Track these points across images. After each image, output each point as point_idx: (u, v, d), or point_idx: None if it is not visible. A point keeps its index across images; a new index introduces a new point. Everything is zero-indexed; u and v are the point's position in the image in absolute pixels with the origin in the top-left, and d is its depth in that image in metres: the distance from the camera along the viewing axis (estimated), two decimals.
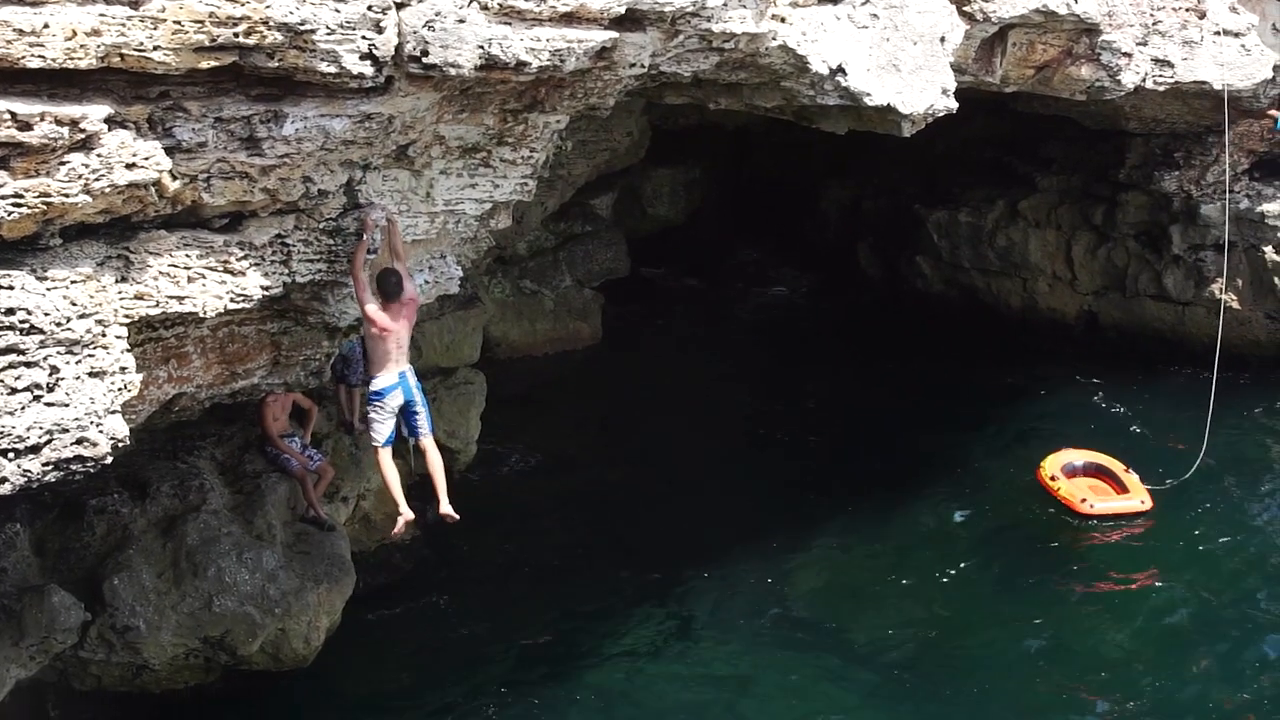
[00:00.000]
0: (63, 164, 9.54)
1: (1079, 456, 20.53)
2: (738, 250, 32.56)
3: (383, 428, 13.11)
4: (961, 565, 18.32)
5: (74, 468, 10.03)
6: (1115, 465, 20.29)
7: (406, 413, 13.18)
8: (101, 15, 9.51)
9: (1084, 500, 19.48)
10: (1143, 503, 19.50)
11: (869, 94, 14.83)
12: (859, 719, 15.09)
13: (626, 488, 20.71)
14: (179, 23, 9.75)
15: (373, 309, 12.41)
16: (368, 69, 10.53)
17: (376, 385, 13.00)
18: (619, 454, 22.14)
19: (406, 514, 13.61)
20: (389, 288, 12.53)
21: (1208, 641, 16.68)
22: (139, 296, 10.73)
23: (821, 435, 22.98)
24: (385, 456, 13.30)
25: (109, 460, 10.27)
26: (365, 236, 12.35)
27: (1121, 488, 19.87)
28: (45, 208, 9.55)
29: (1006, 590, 17.82)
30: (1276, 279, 23.89)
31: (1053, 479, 19.99)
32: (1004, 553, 18.73)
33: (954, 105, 15.97)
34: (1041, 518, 19.74)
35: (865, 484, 20.54)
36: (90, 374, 10.09)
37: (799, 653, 16.28)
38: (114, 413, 10.23)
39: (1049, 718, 15.15)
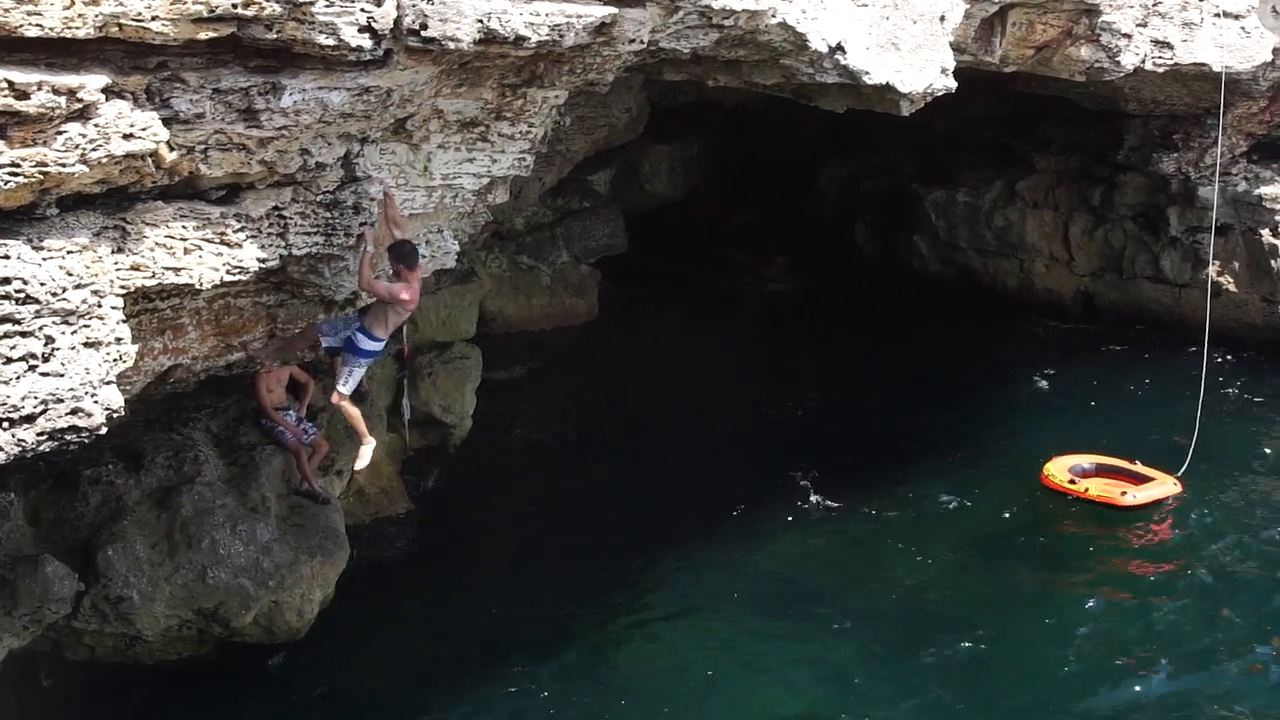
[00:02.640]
0: (60, 133, 9.51)
1: (1084, 459, 20.05)
2: (735, 227, 32.53)
3: (356, 382, 13.89)
4: (951, 544, 18.30)
5: (68, 438, 10.03)
6: (1121, 462, 19.94)
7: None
8: None
9: (1123, 494, 19.06)
10: (1175, 484, 19.18)
11: (868, 72, 14.80)
12: (856, 695, 15.12)
13: (621, 463, 20.74)
14: None
15: (403, 290, 12.70)
16: (366, 42, 10.49)
17: (374, 346, 13.42)
18: (614, 429, 22.18)
19: (371, 441, 14.89)
20: (408, 255, 12.77)
21: (1218, 617, 16.62)
22: (135, 267, 10.71)
23: (815, 413, 23.02)
24: (348, 402, 14.16)
25: (104, 431, 10.27)
26: (368, 248, 12.40)
27: (1140, 479, 19.46)
28: (42, 177, 9.53)
29: (997, 568, 17.79)
30: (1273, 262, 23.90)
31: (1072, 482, 19.45)
32: (996, 533, 18.71)
33: (953, 85, 15.94)
34: (1034, 500, 19.69)
35: (858, 462, 20.54)
36: (85, 344, 10.08)
37: (795, 627, 16.29)
38: (109, 383, 10.22)
39: (1042, 699, 15.18)
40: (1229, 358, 24.22)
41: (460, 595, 16.84)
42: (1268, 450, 21.27)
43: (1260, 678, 15.26)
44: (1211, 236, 23.28)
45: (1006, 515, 19.24)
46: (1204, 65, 20.80)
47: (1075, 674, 15.35)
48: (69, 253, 10.05)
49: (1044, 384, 24.09)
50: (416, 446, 19.80)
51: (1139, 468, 19.77)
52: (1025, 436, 21.58)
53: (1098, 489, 19.35)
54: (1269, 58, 21.40)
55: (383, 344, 13.55)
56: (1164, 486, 19.20)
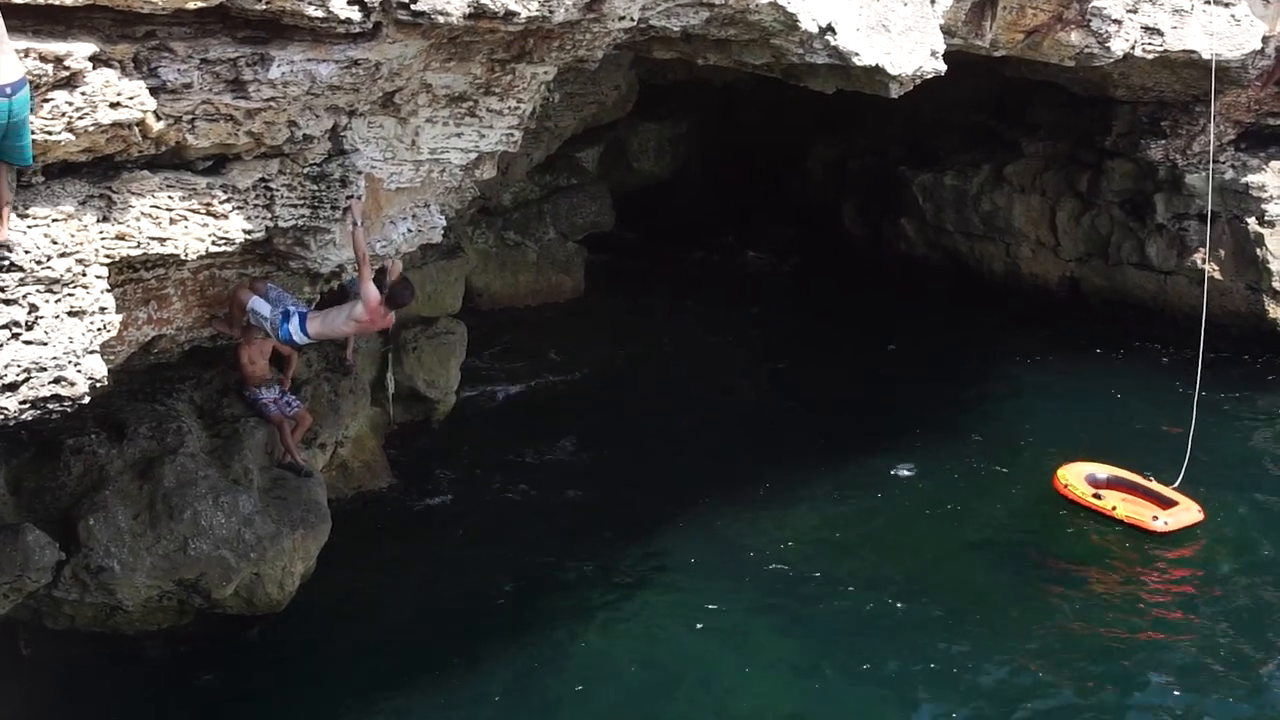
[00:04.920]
0: (46, 101, 9.46)
1: (1099, 469, 19.60)
2: (722, 206, 32.50)
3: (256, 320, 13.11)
4: (931, 528, 18.35)
5: (51, 407, 10.01)
6: (1136, 477, 19.50)
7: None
8: None
9: (1155, 518, 18.51)
10: (1200, 512, 18.71)
11: (858, 54, 14.79)
12: (834, 692, 15.13)
13: (603, 441, 20.79)
14: None
15: (380, 304, 12.80)
16: (355, 14, 10.45)
17: (300, 339, 13.25)
18: (597, 408, 22.21)
19: None
20: (402, 298, 13.27)
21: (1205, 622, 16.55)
22: (120, 237, 10.67)
23: (798, 392, 23.05)
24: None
25: (86, 400, 10.25)
26: (359, 221, 12.39)
27: (1155, 497, 19.03)
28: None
29: (977, 550, 17.88)
30: (1259, 250, 23.94)
31: (1097, 496, 19.04)
32: (975, 516, 18.75)
33: (942, 67, 15.93)
34: (1033, 496, 19.57)
35: (838, 441, 20.58)
36: (69, 313, 10.06)
37: (779, 604, 16.38)
38: (92, 353, 10.21)
39: (1033, 681, 15.18)
40: (1214, 351, 24.19)
41: (441, 570, 16.86)
42: (1265, 449, 21.27)
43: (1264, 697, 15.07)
44: (1208, 225, 23.29)
45: (1001, 510, 19.17)
46: (1194, 52, 20.79)
47: (1069, 679, 15.24)
48: (54, 221, 10.02)
49: (1029, 370, 24.11)
50: (400, 421, 19.81)
51: (1153, 484, 19.28)
52: (1017, 425, 21.69)
53: (1126, 510, 18.82)
54: (1258, 45, 21.40)
55: (305, 343, 13.51)
56: (1189, 514, 18.63)
